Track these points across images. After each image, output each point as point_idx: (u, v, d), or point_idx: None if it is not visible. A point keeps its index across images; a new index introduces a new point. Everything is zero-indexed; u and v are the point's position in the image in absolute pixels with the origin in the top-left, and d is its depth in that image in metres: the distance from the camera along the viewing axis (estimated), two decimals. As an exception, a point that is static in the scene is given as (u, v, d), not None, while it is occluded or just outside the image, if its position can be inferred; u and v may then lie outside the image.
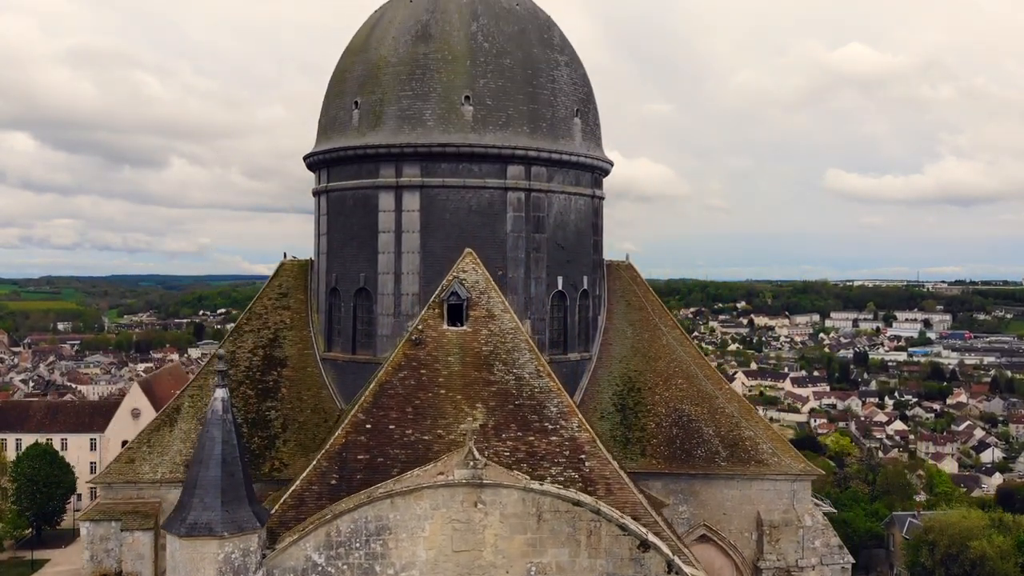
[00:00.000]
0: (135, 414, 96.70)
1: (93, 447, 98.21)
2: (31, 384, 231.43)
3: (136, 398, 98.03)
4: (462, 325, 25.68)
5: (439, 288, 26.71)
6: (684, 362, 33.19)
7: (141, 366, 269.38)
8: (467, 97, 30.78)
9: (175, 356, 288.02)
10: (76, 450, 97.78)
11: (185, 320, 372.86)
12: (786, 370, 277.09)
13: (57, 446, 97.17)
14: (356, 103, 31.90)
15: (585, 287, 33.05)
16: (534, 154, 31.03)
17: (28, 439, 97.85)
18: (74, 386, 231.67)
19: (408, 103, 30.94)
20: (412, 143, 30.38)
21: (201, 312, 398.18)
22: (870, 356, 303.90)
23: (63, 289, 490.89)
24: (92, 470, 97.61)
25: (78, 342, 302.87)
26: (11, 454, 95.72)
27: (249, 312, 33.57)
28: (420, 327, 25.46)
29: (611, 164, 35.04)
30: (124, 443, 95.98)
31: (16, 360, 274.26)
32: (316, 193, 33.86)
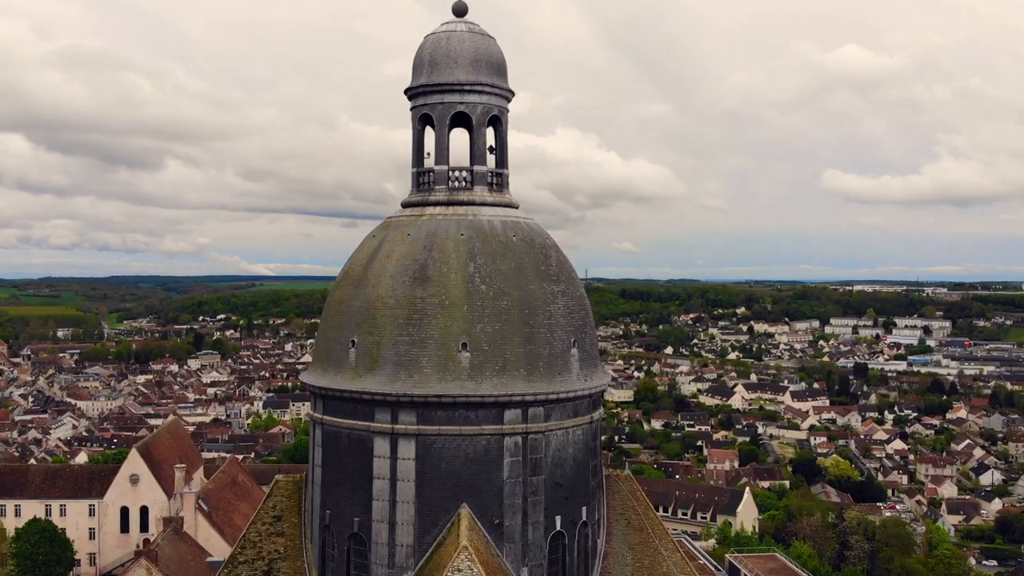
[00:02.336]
0: (133, 480, 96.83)
1: (92, 513, 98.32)
2: (31, 400, 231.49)
3: (135, 464, 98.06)
4: (457, 634, 25.27)
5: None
6: (683, 593, 32.85)
7: (141, 378, 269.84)
8: (464, 344, 30.26)
9: (174, 367, 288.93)
10: (75, 516, 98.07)
11: (184, 326, 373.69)
12: (785, 382, 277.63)
13: (56, 512, 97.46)
14: (353, 342, 31.40)
15: (584, 518, 32.59)
16: (531, 398, 30.50)
17: (27, 505, 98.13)
18: (73, 402, 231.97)
19: (405, 349, 30.43)
20: (409, 393, 29.89)
21: (200, 318, 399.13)
22: (870, 366, 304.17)
23: (63, 291, 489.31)
24: (91, 535, 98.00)
25: (78, 352, 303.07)
26: (10, 520, 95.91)
27: (244, 540, 33.29)
28: (415, 639, 25.05)
29: (610, 380, 34.63)
30: (123, 509, 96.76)
31: (16, 373, 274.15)
32: (312, 421, 33.43)
